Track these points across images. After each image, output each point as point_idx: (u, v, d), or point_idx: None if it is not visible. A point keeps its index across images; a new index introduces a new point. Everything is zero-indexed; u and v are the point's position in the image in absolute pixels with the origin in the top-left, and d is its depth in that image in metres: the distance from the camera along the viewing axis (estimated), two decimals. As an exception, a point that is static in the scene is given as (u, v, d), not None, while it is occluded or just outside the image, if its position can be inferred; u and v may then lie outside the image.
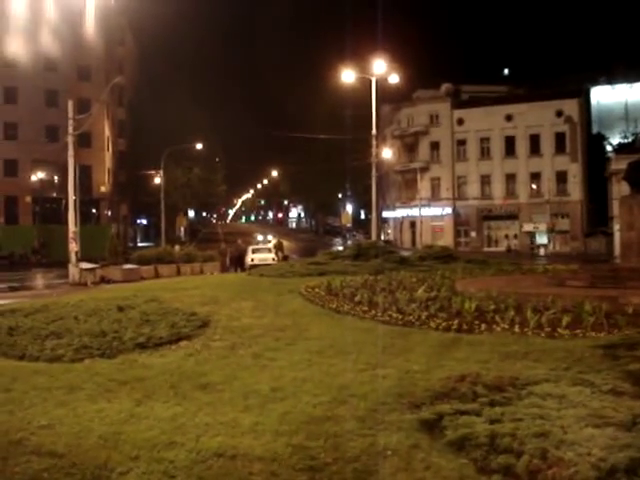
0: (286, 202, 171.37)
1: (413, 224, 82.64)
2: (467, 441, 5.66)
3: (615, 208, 52.61)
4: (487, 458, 5.35)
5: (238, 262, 38.87)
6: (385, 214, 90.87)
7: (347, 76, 45.39)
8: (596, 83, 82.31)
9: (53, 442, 6.31)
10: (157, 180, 70.23)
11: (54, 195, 63.62)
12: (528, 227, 75.29)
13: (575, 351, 9.10)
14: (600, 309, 11.57)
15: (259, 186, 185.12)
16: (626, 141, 72.52)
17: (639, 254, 16.27)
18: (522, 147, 77.30)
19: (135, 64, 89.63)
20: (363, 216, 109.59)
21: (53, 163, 58.97)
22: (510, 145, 78.12)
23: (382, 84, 46.66)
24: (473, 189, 80.00)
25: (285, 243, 52.55)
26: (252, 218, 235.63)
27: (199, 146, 73.33)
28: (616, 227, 44.01)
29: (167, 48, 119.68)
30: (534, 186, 77.16)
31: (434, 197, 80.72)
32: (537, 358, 8.92)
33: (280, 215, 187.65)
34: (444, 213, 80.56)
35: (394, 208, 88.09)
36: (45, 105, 65.62)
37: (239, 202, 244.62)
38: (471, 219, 79.87)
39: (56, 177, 61.19)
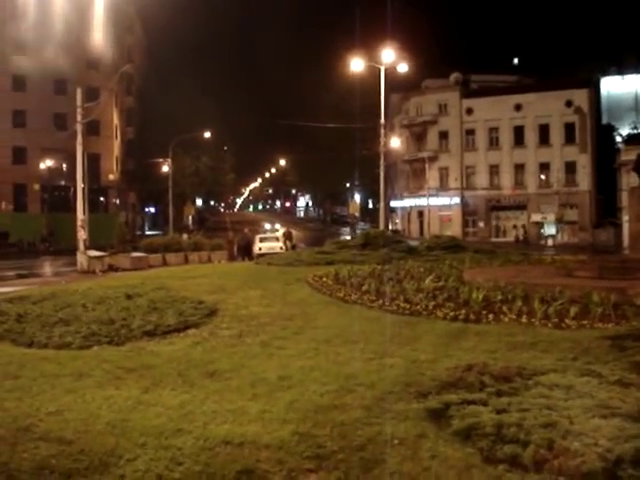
0: (294, 191, 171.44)
1: (421, 214, 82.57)
2: (473, 431, 5.67)
3: (624, 199, 52.50)
4: (493, 448, 5.36)
5: (246, 251, 38.90)
6: (393, 204, 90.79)
7: (356, 65, 45.33)
8: (606, 73, 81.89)
9: (61, 428, 6.34)
10: (165, 168, 70.35)
11: (62, 183, 63.80)
12: (536, 217, 75.02)
13: (582, 342, 9.09)
14: (608, 300, 11.54)
15: (267, 175, 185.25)
16: (636, 132, 72.12)
17: (648, 245, 16.24)
18: (531, 137, 77.01)
19: (144, 53, 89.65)
20: (371, 205, 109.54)
21: (61, 151, 59.02)
22: (519, 135, 77.82)
23: (391, 73, 46.59)
24: (482, 179, 79.79)
25: (293, 232, 52.55)
26: (260, 207, 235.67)
27: (207, 135, 73.40)
28: (625, 218, 43.89)
29: (175, 36, 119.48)
30: (543, 176, 76.89)
31: (442, 187, 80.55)
32: (544, 349, 8.91)
33: (288, 204, 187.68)
34: (452, 203, 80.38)
35: (402, 198, 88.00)
36: (54, 93, 65.73)
37: (247, 191, 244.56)
38: (479, 209, 79.69)
39: (64, 165, 61.31)
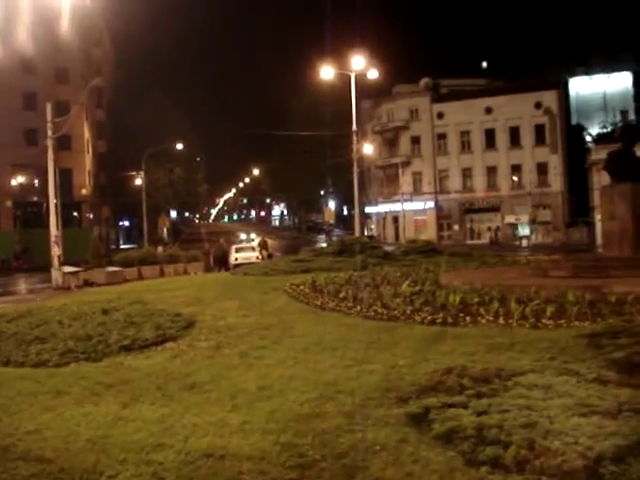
0: (268, 200, 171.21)
1: (396, 219, 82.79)
2: (455, 434, 5.68)
3: (596, 198, 52.92)
4: (475, 450, 5.38)
5: (222, 262, 38.77)
6: (368, 209, 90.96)
7: (326, 72, 45.37)
8: (574, 74, 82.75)
9: (40, 447, 6.28)
10: (138, 181, 70.00)
11: (35, 199, 63.17)
12: (510, 219, 75.57)
13: (559, 341, 9.16)
14: (583, 299, 11.64)
15: (241, 185, 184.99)
16: (605, 131, 72.87)
17: (621, 243, 16.41)
18: (502, 139, 77.56)
19: (113, 66, 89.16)
20: (346, 212, 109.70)
21: (33, 167, 58.48)
22: (490, 138, 78.34)
23: (361, 80, 46.71)
24: (455, 182, 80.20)
25: (269, 241, 52.50)
26: (235, 217, 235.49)
27: (179, 146, 73.17)
28: (597, 217, 44.25)
29: (145, 49, 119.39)
30: (515, 178, 77.47)
31: (416, 191, 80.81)
32: (522, 349, 8.97)
33: (263, 213, 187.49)
34: (426, 207, 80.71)
35: (376, 203, 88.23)
36: (22, 108, 65.09)
37: (221, 201, 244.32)
38: (453, 212, 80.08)
39: (36, 181, 60.75)
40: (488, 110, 77.48)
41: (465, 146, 79.92)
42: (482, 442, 5.44)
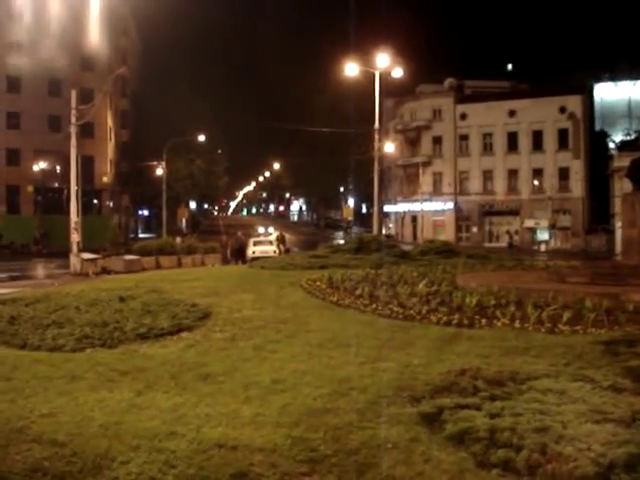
0: (288, 195, 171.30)
1: (414, 218, 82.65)
2: (467, 435, 5.68)
3: (617, 205, 52.63)
4: (487, 452, 5.37)
5: (239, 254, 38.90)
6: (387, 208, 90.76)
7: (350, 69, 45.29)
8: (599, 80, 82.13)
9: (54, 431, 6.33)
10: (159, 171, 70.29)
11: (56, 185, 63.57)
12: (529, 223, 75.17)
13: (575, 347, 9.11)
14: (601, 306, 11.57)
15: (261, 179, 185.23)
16: (629, 138, 72.30)
17: (640, 251, 16.27)
18: (524, 143, 77.14)
19: (138, 55, 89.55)
20: (365, 210, 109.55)
21: (55, 153, 58.84)
22: (513, 141, 77.92)
23: (385, 78, 46.56)
24: (475, 184, 79.89)
25: (287, 236, 52.54)
26: (253, 211, 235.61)
27: (201, 138, 73.32)
28: (617, 224, 43.97)
29: (170, 39, 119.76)
30: (536, 182, 77.01)
31: (436, 192, 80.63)
32: (537, 353, 8.93)
33: (281, 208, 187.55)
34: (446, 208, 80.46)
35: (396, 202, 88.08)
36: (48, 95, 65.55)
37: (240, 194, 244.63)
38: (473, 214, 79.78)
39: (58, 167, 61.09)
40: (511, 113, 77.06)
41: (487, 148, 79.56)
42: (494, 444, 5.43)
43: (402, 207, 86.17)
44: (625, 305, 11.74)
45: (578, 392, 6.61)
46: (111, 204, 73.19)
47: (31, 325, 12.14)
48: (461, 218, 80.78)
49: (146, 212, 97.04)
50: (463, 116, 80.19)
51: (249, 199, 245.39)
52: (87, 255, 32.08)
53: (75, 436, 6.18)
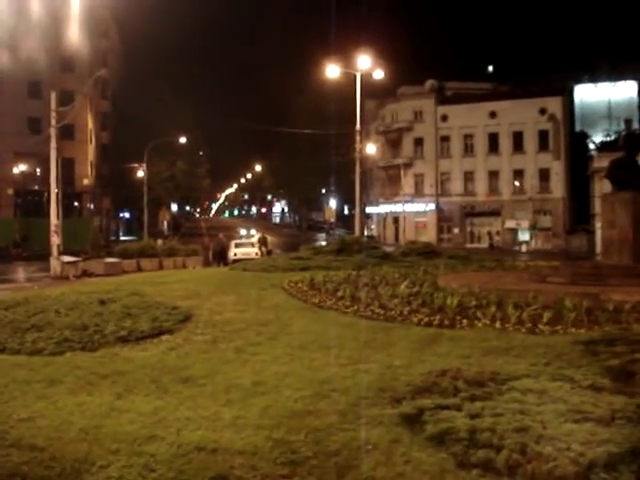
0: (270, 197, 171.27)
1: (396, 220, 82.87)
2: (447, 435, 5.68)
3: (597, 206, 52.89)
4: (467, 452, 5.38)
5: (221, 256, 38.81)
6: (369, 210, 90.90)
7: (332, 71, 45.33)
8: (580, 81, 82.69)
9: (33, 435, 6.28)
10: (140, 173, 69.94)
11: (36, 188, 63.24)
12: (510, 224, 75.58)
13: (555, 347, 9.15)
14: (581, 305, 11.64)
15: (243, 180, 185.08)
16: (609, 140, 72.83)
17: (620, 252, 16.39)
18: (505, 144, 77.54)
19: (119, 57, 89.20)
20: (346, 211, 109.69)
21: (35, 155, 58.53)
22: (493, 142, 78.30)
23: (367, 80, 46.62)
24: (456, 185, 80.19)
25: (268, 238, 52.49)
26: (235, 213, 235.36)
27: (183, 140, 73.11)
28: (597, 225, 44.18)
29: (152, 42, 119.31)
30: (517, 183, 77.44)
31: (417, 193, 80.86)
32: (518, 354, 8.97)
33: (263, 210, 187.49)
34: (427, 209, 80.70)
35: (377, 204, 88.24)
36: (27, 97, 65.10)
37: (223, 196, 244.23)
38: (454, 215, 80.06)
39: (38, 169, 60.78)
40: (492, 114, 77.44)
41: (468, 149, 79.90)
42: (474, 445, 5.44)
43: (384, 208, 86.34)
44: (605, 305, 11.81)
45: (558, 392, 6.64)
46: (92, 206, 72.83)
47: (10, 329, 12.02)
48: (442, 219, 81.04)
49: (127, 214, 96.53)
50: (444, 117, 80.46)
51: (231, 201, 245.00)
52: (67, 258, 31.90)
53: (54, 440, 6.13)
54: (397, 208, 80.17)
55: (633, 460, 4.88)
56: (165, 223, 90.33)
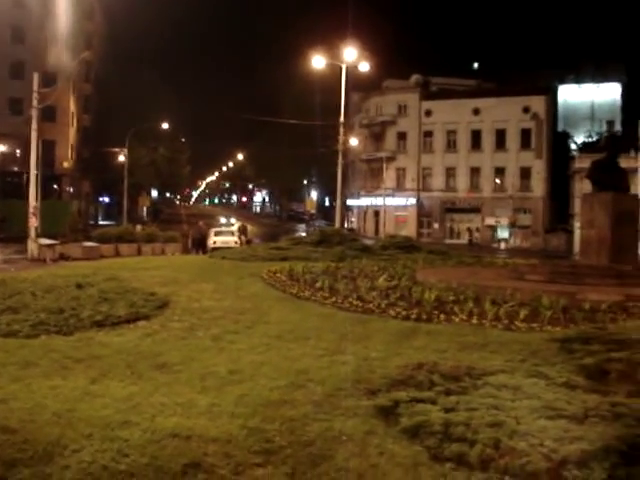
0: (251, 186, 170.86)
1: (377, 213, 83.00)
2: (422, 428, 5.70)
3: (577, 206, 53.26)
4: (441, 446, 5.40)
5: (200, 244, 38.68)
6: (349, 202, 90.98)
7: (317, 62, 45.19)
8: (564, 81, 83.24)
9: (6, 417, 6.22)
10: (121, 158, 69.58)
11: (15, 169, 62.60)
12: (490, 221, 75.91)
13: (531, 344, 9.21)
14: (557, 304, 11.74)
15: (224, 169, 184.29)
16: (591, 140, 73.35)
17: (598, 252, 16.52)
18: (488, 141, 77.76)
19: (103, 40, 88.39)
20: (327, 203, 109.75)
21: (15, 136, 57.95)
22: (476, 139, 78.49)
23: (352, 72, 46.60)
24: (438, 181, 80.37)
25: (248, 227, 52.40)
26: (216, 201, 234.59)
27: (165, 126, 72.81)
28: (577, 225, 44.56)
29: (137, 26, 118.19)
30: (498, 181, 77.71)
31: (399, 187, 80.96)
32: (494, 349, 9.02)
33: (244, 199, 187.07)
34: (408, 203, 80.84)
35: (359, 196, 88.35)
36: (9, 77, 64.46)
37: (203, 184, 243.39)
38: (434, 210, 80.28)
39: (18, 151, 60.17)
40: (476, 111, 77.62)
41: (450, 145, 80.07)
42: (448, 438, 5.47)
43: (365, 201, 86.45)
44: (581, 304, 11.92)
45: (532, 388, 6.67)
46: (71, 190, 72.25)
47: (-15, 310, 11.93)
48: (423, 214, 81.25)
49: (107, 199, 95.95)
50: (428, 112, 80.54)
51: (212, 189, 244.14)
52: (45, 241, 31.62)
53: (27, 423, 6.08)
54: (378, 201, 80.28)
55: (605, 457, 4.91)
56: (145, 209, 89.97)
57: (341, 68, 44.30)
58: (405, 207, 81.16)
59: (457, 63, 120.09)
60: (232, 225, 60.57)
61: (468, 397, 6.38)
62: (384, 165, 79.57)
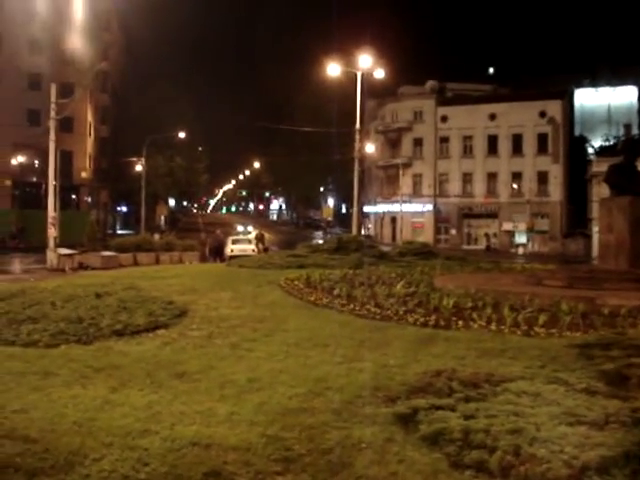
0: (267, 194, 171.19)
1: (394, 219, 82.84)
2: (441, 436, 5.69)
3: (594, 210, 52.99)
4: (460, 453, 5.38)
5: (217, 252, 38.80)
6: (366, 209, 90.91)
7: (333, 69, 45.26)
8: (580, 85, 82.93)
9: (26, 427, 6.26)
10: (138, 168, 69.92)
11: (34, 180, 63.09)
12: (508, 226, 75.59)
13: (550, 350, 9.16)
14: (576, 309, 11.66)
15: (241, 177, 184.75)
16: (608, 144, 72.98)
17: (617, 256, 16.40)
18: (504, 146, 77.51)
19: (120, 51, 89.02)
20: (344, 210, 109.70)
21: (34, 147, 58.38)
22: (492, 144, 78.26)
23: (368, 79, 46.63)
24: (454, 187, 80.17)
25: (266, 235, 52.47)
26: (233, 209, 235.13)
27: (182, 135, 73.08)
28: (595, 229, 44.35)
29: (154, 36, 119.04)
30: (515, 186, 77.42)
31: (415, 193, 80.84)
32: (513, 356, 8.97)
33: (261, 207, 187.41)
34: (425, 210, 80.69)
35: (375, 203, 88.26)
36: (28, 88, 64.98)
37: (220, 192, 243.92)
38: (451, 216, 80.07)
39: (37, 161, 60.62)
40: (492, 116, 77.43)
41: (467, 151, 79.87)
42: (468, 446, 5.45)
43: (382, 208, 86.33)
44: (601, 309, 11.84)
45: (552, 394, 6.64)
46: (89, 200, 72.68)
47: (6, 320, 12.00)
48: (440, 220, 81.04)
49: (124, 208, 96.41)
50: (444, 118, 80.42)
51: (229, 197, 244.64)
52: (64, 250, 31.82)
53: (47, 432, 6.12)
54: (395, 208, 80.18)
55: (626, 464, 4.89)
56: (162, 218, 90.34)
57: (356, 75, 44.35)
58: (422, 213, 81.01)
59: (472, 68, 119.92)
60: (249, 233, 60.66)
61: (487, 404, 6.36)
62: (400, 171, 79.46)
